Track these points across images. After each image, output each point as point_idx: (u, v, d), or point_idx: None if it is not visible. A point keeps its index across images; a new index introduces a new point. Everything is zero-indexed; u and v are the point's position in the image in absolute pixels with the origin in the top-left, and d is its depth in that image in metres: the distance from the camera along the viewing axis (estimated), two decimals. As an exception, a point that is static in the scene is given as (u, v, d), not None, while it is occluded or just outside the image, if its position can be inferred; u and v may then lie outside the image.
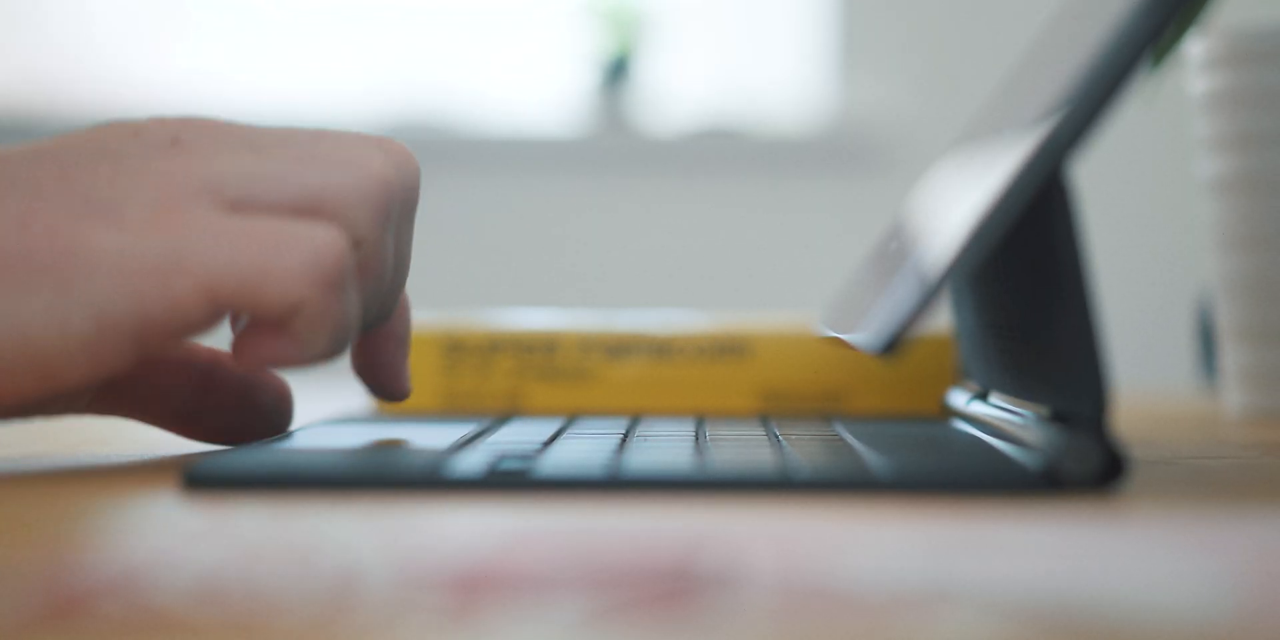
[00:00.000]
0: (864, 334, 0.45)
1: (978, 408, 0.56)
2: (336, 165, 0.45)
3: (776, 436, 0.53)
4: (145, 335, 0.42)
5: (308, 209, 0.44)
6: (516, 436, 0.52)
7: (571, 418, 0.62)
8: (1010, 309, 0.50)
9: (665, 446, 0.49)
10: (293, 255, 0.42)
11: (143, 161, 0.44)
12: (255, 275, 0.42)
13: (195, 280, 0.42)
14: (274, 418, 0.53)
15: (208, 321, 0.42)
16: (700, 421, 0.60)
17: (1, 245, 0.42)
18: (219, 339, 2.08)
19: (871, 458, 0.46)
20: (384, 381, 0.52)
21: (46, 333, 0.42)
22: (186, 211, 0.43)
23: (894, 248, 0.54)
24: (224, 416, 0.52)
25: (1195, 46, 0.75)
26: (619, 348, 0.67)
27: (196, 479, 0.42)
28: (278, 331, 0.43)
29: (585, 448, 0.49)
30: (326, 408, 0.76)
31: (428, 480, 0.42)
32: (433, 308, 2.19)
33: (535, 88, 2.23)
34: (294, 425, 0.64)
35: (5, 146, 0.45)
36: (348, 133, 0.47)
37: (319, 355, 0.43)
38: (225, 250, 0.42)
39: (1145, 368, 2.18)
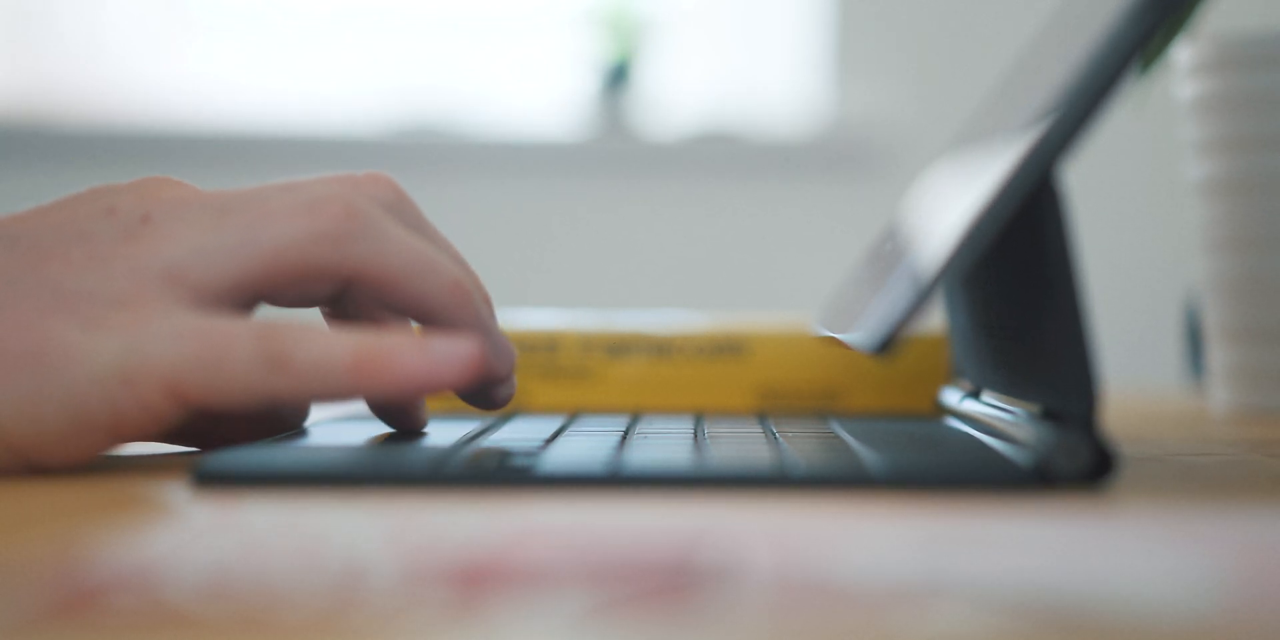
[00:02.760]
0: (859, 334, 0.45)
1: (970, 405, 0.56)
2: (296, 214, 0.46)
3: (774, 434, 0.53)
4: (118, 432, 0.44)
5: (273, 268, 0.45)
6: (519, 434, 0.52)
7: (573, 416, 0.62)
8: (1002, 309, 0.50)
9: (665, 444, 0.49)
10: (243, 351, 0.43)
11: (111, 245, 0.45)
12: (212, 374, 0.43)
13: (159, 383, 0.43)
14: (291, 417, 0.53)
15: (177, 417, 0.44)
16: (699, 419, 0.60)
17: None
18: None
19: (867, 455, 0.46)
20: (479, 391, 0.52)
21: (21, 423, 0.43)
22: (149, 308, 0.44)
23: (889, 249, 0.54)
24: (243, 425, 0.52)
25: (1183, 52, 0.75)
26: (619, 347, 0.67)
27: (206, 475, 0.42)
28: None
29: (586, 445, 0.49)
30: (333, 406, 0.76)
31: (432, 477, 0.42)
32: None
33: (537, 93, 2.23)
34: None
35: None
36: (323, 177, 0.48)
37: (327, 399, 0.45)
38: (184, 351, 0.43)
39: (1134, 366, 2.18)
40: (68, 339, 0.43)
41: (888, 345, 0.42)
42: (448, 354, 0.44)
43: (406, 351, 0.44)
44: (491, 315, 0.50)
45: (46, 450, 0.44)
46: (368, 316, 0.51)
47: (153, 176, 0.49)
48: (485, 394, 0.52)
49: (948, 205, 0.48)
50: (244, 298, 0.46)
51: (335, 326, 0.51)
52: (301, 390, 0.44)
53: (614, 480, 0.42)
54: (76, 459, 0.44)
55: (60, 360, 0.43)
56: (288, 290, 0.46)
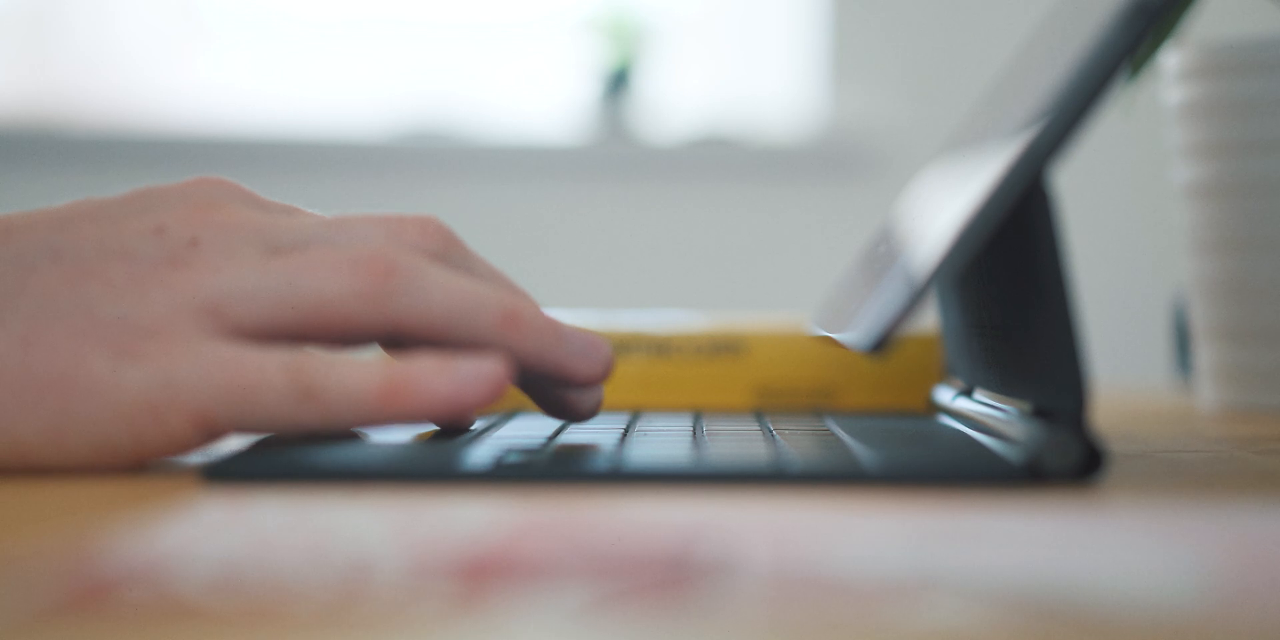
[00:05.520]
0: (854, 333, 0.45)
1: (963, 403, 0.56)
2: (339, 270, 0.45)
3: (770, 431, 0.53)
4: (141, 458, 0.44)
5: (308, 321, 0.45)
6: (522, 432, 0.52)
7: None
8: (994, 309, 0.50)
9: (664, 441, 0.49)
10: (273, 383, 0.43)
11: (154, 268, 0.44)
12: (242, 405, 0.43)
13: (187, 414, 0.43)
14: None
15: (202, 445, 0.44)
16: (698, 417, 0.60)
17: (4, 362, 0.43)
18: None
19: (861, 451, 0.46)
20: (557, 406, 0.51)
21: (45, 452, 0.43)
22: (182, 338, 0.43)
23: (883, 250, 0.54)
24: None
25: (1170, 58, 0.75)
26: (620, 346, 0.67)
27: (215, 473, 0.42)
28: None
29: (588, 442, 0.49)
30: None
31: (437, 474, 0.42)
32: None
33: (540, 98, 2.23)
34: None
35: (46, 214, 0.46)
36: (373, 218, 0.47)
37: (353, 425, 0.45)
38: (213, 383, 0.43)
39: (1123, 365, 2.18)
40: (96, 368, 0.43)
41: (882, 344, 0.42)
42: (472, 375, 0.43)
43: (431, 376, 0.43)
44: (556, 335, 0.47)
45: (69, 471, 0.44)
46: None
47: (206, 178, 0.47)
48: (566, 404, 0.51)
49: (941, 207, 0.48)
50: (278, 339, 0.45)
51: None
52: (330, 420, 0.43)
53: (615, 476, 0.42)
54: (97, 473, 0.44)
55: (87, 390, 0.43)
56: (325, 339, 0.46)
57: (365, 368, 0.44)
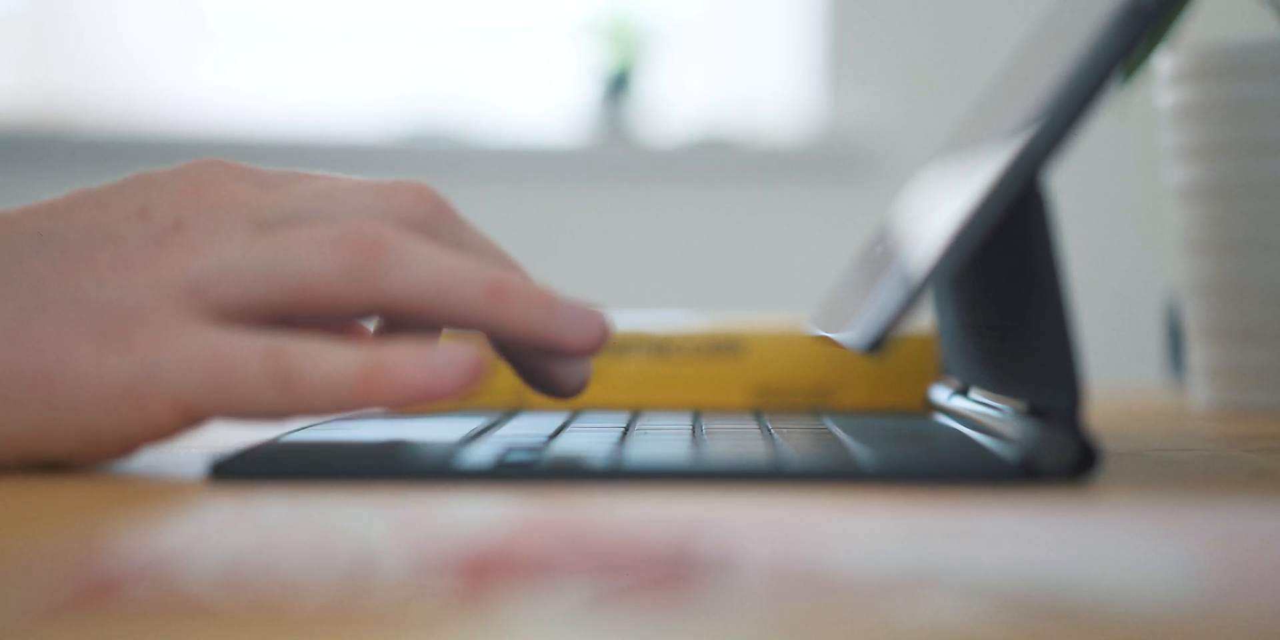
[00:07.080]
0: (851, 333, 0.45)
1: (959, 403, 0.56)
2: (323, 246, 0.44)
3: (769, 430, 0.53)
4: (127, 446, 0.44)
5: (291, 298, 0.44)
6: (523, 430, 0.52)
7: (575, 413, 0.62)
8: (989, 309, 0.50)
9: (664, 440, 0.49)
10: (251, 370, 0.43)
11: (139, 251, 0.44)
12: (221, 393, 0.43)
13: (169, 401, 0.43)
14: None
15: (184, 431, 0.44)
16: (697, 416, 0.60)
17: None
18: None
19: (858, 450, 0.46)
20: (543, 380, 0.50)
21: (35, 444, 0.43)
22: (165, 323, 0.43)
23: (880, 251, 0.54)
24: None
25: (1164, 61, 0.75)
26: (620, 346, 0.67)
27: (221, 470, 0.42)
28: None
29: (588, 441, 0.49)
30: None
31: (440, 471, 0.42)
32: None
33: (541, 100, 2.23)
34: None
35: (39, 205, 0.46)
36: (363, 186, 0.47)
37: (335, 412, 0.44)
38: (193, 370, 0.43)
39: (1117, 365, 2.18)
40: (81, 357, 0.43)
41: (879, 344, 0.42)
42: (447, 363, 0.43)
43: (408, 363, 0.43)
44: (546, 306, 0.46)
45: (58, 461, 0.44)
46: (405, 328, 0.49)
47: (201, 161, 0.47)
48: (552, 379, 0.49)
49: (937, 209, 0.48)
50: (262, 318, 0.45)
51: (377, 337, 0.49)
52: (309, 407, 0.43)
53: (615, 475, 0.42)
54: (89, 464, 0.44)
55: (71, 381, 0.43)
56: (309, 315, 0.45)
57: (343, 354, 0.43)
